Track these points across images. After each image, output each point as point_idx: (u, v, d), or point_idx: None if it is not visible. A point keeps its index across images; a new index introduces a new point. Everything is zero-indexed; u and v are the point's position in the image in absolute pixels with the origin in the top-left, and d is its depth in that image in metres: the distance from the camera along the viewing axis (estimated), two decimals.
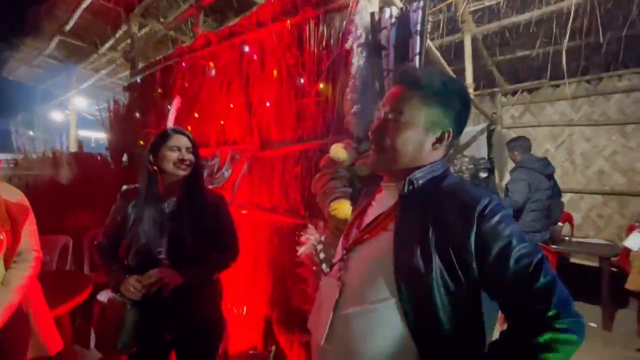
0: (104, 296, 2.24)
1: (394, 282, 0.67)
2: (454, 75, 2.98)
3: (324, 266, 0.93)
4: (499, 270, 0.61)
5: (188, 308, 1.27)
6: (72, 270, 2.88)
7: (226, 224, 1.42)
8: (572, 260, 3.36)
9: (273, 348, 1.43)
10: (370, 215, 0.81)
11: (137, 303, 1.20)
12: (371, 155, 0.80)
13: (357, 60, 1.38)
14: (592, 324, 2.84)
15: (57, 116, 7.56)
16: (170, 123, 2.04)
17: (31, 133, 8.80)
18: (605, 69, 3.71)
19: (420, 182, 0.74)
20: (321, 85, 1.58)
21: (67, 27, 4.37)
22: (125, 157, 3.77)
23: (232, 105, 2.09)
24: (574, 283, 3.05)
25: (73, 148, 6.16)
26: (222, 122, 2.17)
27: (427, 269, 0.64)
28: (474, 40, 3.35)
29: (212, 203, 1.40)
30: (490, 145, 4.61)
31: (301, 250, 1.42)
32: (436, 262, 0.64)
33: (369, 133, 0.80)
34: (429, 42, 2.24)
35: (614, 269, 2.75)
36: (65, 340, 1.56)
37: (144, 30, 4.18)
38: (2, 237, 1.20)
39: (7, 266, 1.24)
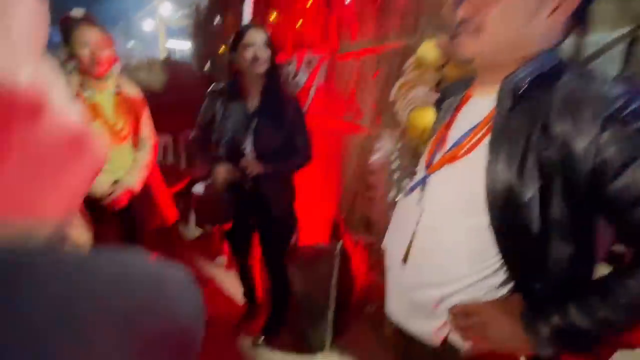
0: (198, 188, 2.64)
1: (486, 207, 0.57)
2: None
3: (395, 176, 0.90)
4: (628, 199, 0.49)
5: (266, 200, 1.42)
6: (172, 164, 3.40)
7: (301, 127, 1.45)
8: None
9: (339, 244, 1.57)
10: (456, 130, 0.67)
11: (228, 189, 1.38)
12: (461, 42, 0.60)
13: None
14: None
15: (148, 26, 8.06)
16: (245, 20, 1.99)
17: (130, 44, 9.67)
18: None
19: (525, 83, 0.56)
20: None
21: None
22: (208, 64, 3.96)
23: (309, 4, 1.92)
24: None
25: (163, 57, 6.67)
26: (298, 23, 2.04)
27: (525, 193, 0.54)
28: None
29: (291, 105, 1.42)
30: (627, 62, 3.60)
31: (374, 157, 1.40)
32: (537, 184, 0.53)
33: (460, 11, 0.59)
34: None
35: None
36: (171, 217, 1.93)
37: None
38: (126, 126, 1.44)
39: (134, 148, 1.51)
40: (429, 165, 0.70)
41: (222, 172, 1.36)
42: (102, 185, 1.39)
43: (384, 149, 1.35)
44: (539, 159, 0.54)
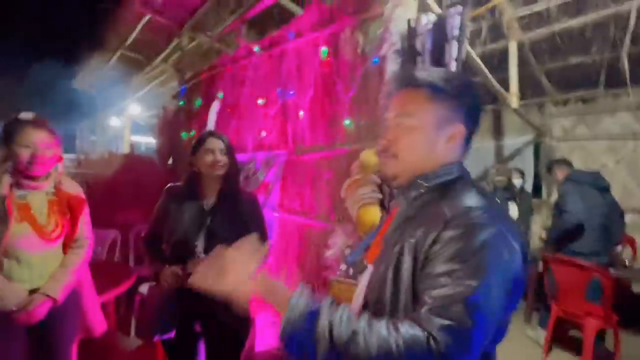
0: (144, 288, 2.40)
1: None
2: (498, 85, 2.85)
3: (351, 272, 0.93)
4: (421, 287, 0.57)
5: (216, 302, 1.32)
6: (119, 262, 3.11)
7: (258, 223, 1.47)
8: (635, 289, 2.99)
9: None
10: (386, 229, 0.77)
11: (173, 291, 1.28)
12: (386, 164, 0.74)
13: (392, 66, 1.38)
14: None
15: (114, 122, 8.32)
16: (210, 125, 2.16)
17: (93, 137, 9.76)
18: None
19: (427, 186, 0.69)
20: (354, 93, 1.59)
21: (128, 42, 4.83)
22: (170, 160, 4.06)
23: (269, 112, 2.17)
24: (637, 314, 2.74)
25: (126, 151, 6.73)
26: (259, 128, 2.26)
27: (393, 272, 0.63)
28: (520, 47, 3.18)
29: (247, 202, 1.47)
30: (537, 159, 4.33)
31: (328, 253, 1.42)
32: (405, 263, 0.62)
33: (380, 141, 0.74)
34: (469, 48, 2.18)
35: None
36: (109, 327, 1.70)
37: (192, 44, 4.51)
38: (58, 227, 1.35)
39: (65, 250, 1.39)
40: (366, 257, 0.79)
41: (168, 276, 1.28)
42: (15, 295, 1.23)
43: (338, 244, 1.39)
44: (403, 243, 0.63)
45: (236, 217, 1.40)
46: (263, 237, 1.47)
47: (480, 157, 4.41)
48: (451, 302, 0.51)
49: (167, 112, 4.17)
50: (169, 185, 1.52)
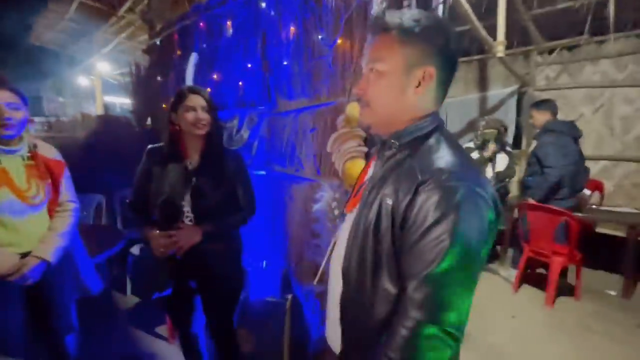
0: (136, 250, 2.44)
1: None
2: (485, 32, 2.76)
3: (338, 222, 0.97)
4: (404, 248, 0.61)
5: (209, 261, 1.37)
6: (107, 225, 3.11)
7: (244, 182, 1.47)
8: (599, 229, 3.26)
9: (289, 297, 1.54)
10: (363, 181, 0.80)
11: (165, 254, 1.31)
12: (361, 114, 0.75)
13: (377, 12, 1.30)
14: (611, 292, 2.81)
15: (82, 81, 7.77)
16: (188, 80, 2.06)
17: (61, 99, 9.13)
18: None
19: (400, 142, 0.70)
20: (339, 41, 1.52)
21: None
22: (149, 120, 3.89)
23: (249, 65, 2.07)
24: (598, 252, 3.01)
25: (100, 112, 6.37)
26: (240, 84, 2.16)
27: (365, 229, 0.67)
28: None
29: (232, 161, 1.45)
30: (519, 109, 4.37)
31: (316, 207, 1.46)
32: (373, 220, 0.66)
33: (355, 90, 0.74)
34: None
35: None
36: (105, 287, 1.74)
37: None
38: (40, 192, 1.32)
39: (50, 215, 1.37)
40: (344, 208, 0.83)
41: (159, 241, 1.29)
42: (6, 259, 1.22)
43: (325, 198, 1.42)
44: (380, 203, 0.66)
45: (222, 176, 1.39)
46: (249, 196, 1.48)
47: (465, 108, 4.41)
48: (433, 279, 0.56)
49: (139, 68, 3.90)
50: (149, 147, 1.47)
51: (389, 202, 0.63)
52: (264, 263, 2.06)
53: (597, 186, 3.52)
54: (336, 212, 1.33)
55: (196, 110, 1.31)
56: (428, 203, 0.58)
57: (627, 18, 3.17)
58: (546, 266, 2.76)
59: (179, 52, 2.84)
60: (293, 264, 1.80)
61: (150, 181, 1.39)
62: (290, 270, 1.84)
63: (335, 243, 0.81)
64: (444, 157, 0.64)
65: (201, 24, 2.46)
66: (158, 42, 3.34)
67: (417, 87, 0.68)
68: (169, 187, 1.35)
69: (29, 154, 1.33)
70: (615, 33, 3.30)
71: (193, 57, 2.11)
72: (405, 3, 1.24)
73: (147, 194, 1.39)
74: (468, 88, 4.52)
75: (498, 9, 2.90)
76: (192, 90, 1.35)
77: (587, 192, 3.13)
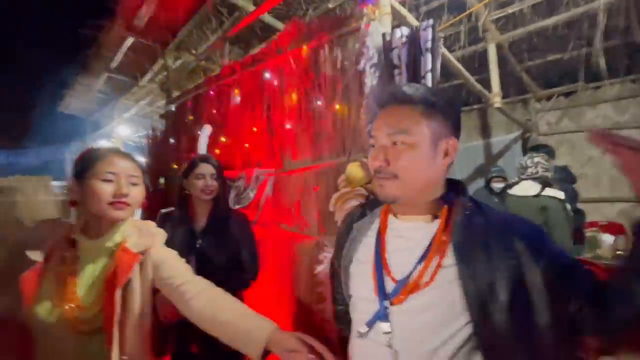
0: None
1: (469, 317, 0.63)
2: (480, 86, 2.90)
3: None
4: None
5: None
6: None
7: (248, 243, 1.48)
8: None
9: None
10: (396, 255, 0.72)
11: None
12: (385, 186, 0.71)
13: (370, 80, 1.40)
14: None
15: (103, 144, 8.29)
16: (201, 149, 2.17)
17: None
18: None
19: (470, 208, 0.72)
20: (337, 106, 1.61)
21: (113, 65, 4.84)
22: (162, 180, 4.04)
23: (255, 129, 2.18)
24: None
25: None
26: (246, 145, 2.26)
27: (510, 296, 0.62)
28: (499, 47, 3.25)
29: (237, 222, 1.48)
30: (525, 154, 4.39)
31: (319, 268, 1.42)
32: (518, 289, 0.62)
33: (374, 162, 0.72)
34: (448, 54, 2.22)
35: None
36: None
37: (178, 63, 4.53)
38: None
39: None
40: (384, 295, 0.69)
41: (165, 306, 1.27)
42: None
43: (328, 259, 1.39)
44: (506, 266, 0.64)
45: (226, 238, 1.41)
46: (252, 257, 1.48)
47: (470, 156, 4.45)
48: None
49: (155, 131, 4.17)
50: (162, 211, 1.53)
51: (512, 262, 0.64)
52: None
53: (619, 229, 3.35)
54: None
55: (205, 177, 1.38)
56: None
57: (618, 65, 3.30)
58: None
59: (191, 117, 3.04)
60: (300, 329, 1.70)
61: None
62: None
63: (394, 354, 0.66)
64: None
65: (212, 92, 2.67)
66: (173, 108, 3.61)
67: (445, 157, 0.72)
68: (177, 249, 1.37)
69: None
70: (610, 79, 3.42)
71: (206, 129, 2.25)
72: (396, 72, 1.33)
73: None
74: (471, 135, 4.61)
75: (490, 64, 3.08)
76: (203, 159, 1.44)
77: (608, 237, 2.98)
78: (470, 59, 3.45)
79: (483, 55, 3.30)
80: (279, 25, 3.11)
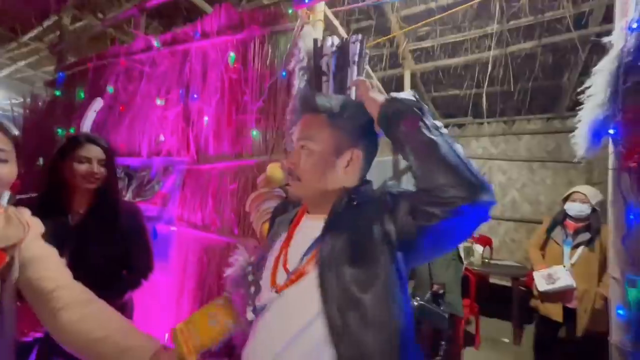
0: None
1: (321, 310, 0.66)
2: None
3: (252, 291, 0.90)
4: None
5: None
6: None
7: (139, 239, 1.30)
8: (491, 280, 3.71)
9: None
10: (295, 249, 0.77)
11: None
12: (291, 186, 0.80)
13: (299, 82, 1.41)
14: (505, 339, 3.13)
15: None
16: (85, 126, 1.85)
17: None
18: (517, 112, 4.31)
19: (346, 205, 0.74)
20: (262, 103, 1.57)
21: None
22: (40, 161, 3.31)
23: (169, 115, 1.97)
24: (491, 302, 3.38)
25: None
26: (156, 132, 2.03)
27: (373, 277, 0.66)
28: (412, 76, 3.67)
29: (126, 215, 1.28)
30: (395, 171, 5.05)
31: (228, 272, 1.34)
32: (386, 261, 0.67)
33: (286, 164, 0.80)
34: (371, 72, 2.40)
35: (523, 288, 3.10)
36: None
37: (79, 24, 3.82)
38: None
39: None
40: (275, 285, 0.76)
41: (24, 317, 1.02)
42: None
43: (239, 262, 1.33)
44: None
45: (111, 234, 1.20)
46: (145, 255, 1.32)
47: (381, 169, 4.89)
48: None
49: (38, 101, 3.41)
50: (18, 196, 1.22)
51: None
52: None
53: (487, 242, 4.09)
54: (250, 278, 1.24)
55: (92, 162, 1.15)
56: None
57: (495, 108, 4.06)
58: None
59: (89, 91, 2.59)
60: None
61: None
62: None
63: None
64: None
65: (119, 66, 2.32)
66: (65, 76, 3.01)
67: (346, 167, 0.76)
68: None
69: None
70: (489, 118, 4.17)
71: (97, 102, 1.93)
72: (324, 78, 1.37)
73: None
74: (383, 151, 5.06)
75: (404, 89, 3.44)
76: (90, 139, 1.20)
77: (479, 247, 3.59)
78: (389, 81, 3.81)
79: (399, 80, 3.68)
80: (208, 9, 2.91)
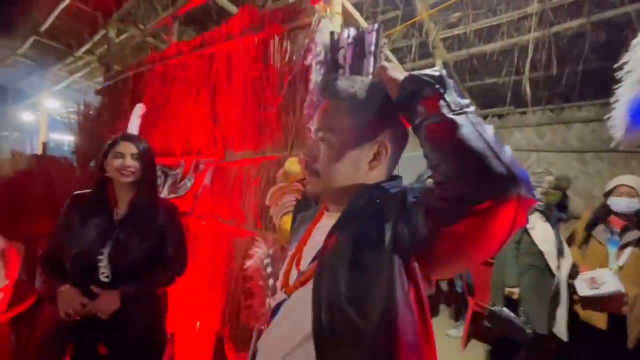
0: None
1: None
2: None
3: (271, 282, 0.91)
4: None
5: (124, 324, 1.22)
6: (18, 280, 2.70)
7: (175, 236, 1.38)
8: None
9: None
10: (310, 250, 0.70)
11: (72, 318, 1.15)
12: (309, 182, 0.70)
13: (316, 76, 1.41)
14: None
15: (27, 117, 7.28)
16: (131, 129, 2.00)
17: (5, 133, 8.42)
18: (565, 99, 3.94)
19: (356, 199, 0.64)
20: (283, 100, 1.59)
21: (43, 28, 4.28)
22: (93, 162, 3.65)
23: (198, 115, 2.07)
24: None
25: (39, 150, 5.92)
26: (187, 131, 2.14)
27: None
28: (445, 65, 3.50)
29: (164, 212, 1.37)
30: None
31: (248, 263, 1.39)
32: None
33: (304, 157, 0.71)
34: (393, 59, 2.32)
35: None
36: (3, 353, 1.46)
37: (123, 36, 4.14)
38: None
39: None
40: (285, 285, 0.69)
41: (71, 302, 1.14)
42: None
43: (258, 254, 1.37)
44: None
45: (149, 228, 1.30)
46: (180, 251, 1.39)
47: (414, 164, 4.72)
48: None
49: (89, 108, 3.76)
50: (75, 192, 1.37)
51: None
52: (197, 324, 1.87)
53: None
54: (269, 269, 1.27)
55: (124, 157, 1.26)
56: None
57: (539, 95, 3.74)
58: None
59: (131, 96, 2.80)
60: (228, 326, 1.65)
61: (70, 229, 1.26)
62: (225, 335, 1.67)
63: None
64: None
65: (155, 71, 2.49)
66: (112, 84, 3.29)
67: (372, 161, 0.66)
68: (88, 237, 1.23)
69: None
70: (533, 107, 3.85)
71: (139, 108, 2.08)
72: (340, 72, 1.35)
73: (63, 244, 1.25)
74: (415, 145, 4.89)
75: None
76: (124, 138, 1.31)
77: None
78: None
79: None
80: (236, 10, 3.00)
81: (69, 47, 4.72)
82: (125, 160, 1.25)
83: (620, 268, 1.84)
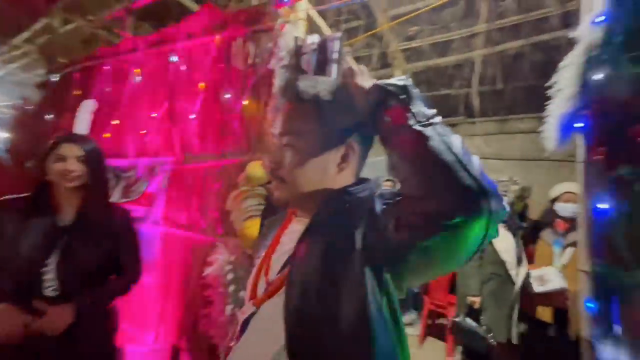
0: None
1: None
2: None
3: (231, 289, 0.88)
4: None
5: (76, 342, 1.11)
6: None
7: (129, 243, 1.29)
8: None
9: None
10: (279, 257, 0.66)
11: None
12: (273, 187, 0.66)
13: (279, 80, 1.41)
14: None
15: None
16: (79, 128, 1.85)
17: None
18: (510, 111, 4.33)
19: (322, 205, 0.61)
20: (245, 103, 1.58)
21: None
22: (30, 163, 3.30)
23: (154, 115, 1.97)
24: None
25: None
26: (142, 132, 2.02)
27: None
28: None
29: (116, 218, 1.28)
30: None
31: (208, 270, 1.34)
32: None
33: (267, 163, 0.71)
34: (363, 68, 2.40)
35: None
36: None
37: (69, 26, 3.82)
38: None
39: None
40: (253, 297, 0.65)
41: (6, 323, 1.01)
42: None
43: (219, 261, 1.33)
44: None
45: (101, 235, 1.20)
46: (134, 258, 1.31)
47: (377, 170, 4.88)
48: None
49: (27, 102, 3.41)
50: (3, 197, 1.22)
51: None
52: (154, 335, 1.76)
53: None
54: (230, 276, 1.24)
55: (66, 160, 1.15)
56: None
57: (487, 107, 4.07)
58: (445, 315, 2.97)
59: (78, 92, 2.58)
60: (184, 338, 1.58)
61: (2, 240, 1.12)
62: (182, 347, 1.60)
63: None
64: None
65: (107, 67, 2.33)
66: (55, 79, 3.01)
67: (340, 164, 0.63)
68: (28, 249, 1.11)
69: None
70: (481, 118, 4.18)
71: (89, 104, 1.93)
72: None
73: None
74: (377, 150, 5.08)
75: None
76: (67, 139, 1.20)
77: None
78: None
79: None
80: (196, 8, 2.92)
81: (4, 34, 4.25)
82: (67, 164, 1.15)
83: (564, 266, 2.02)
